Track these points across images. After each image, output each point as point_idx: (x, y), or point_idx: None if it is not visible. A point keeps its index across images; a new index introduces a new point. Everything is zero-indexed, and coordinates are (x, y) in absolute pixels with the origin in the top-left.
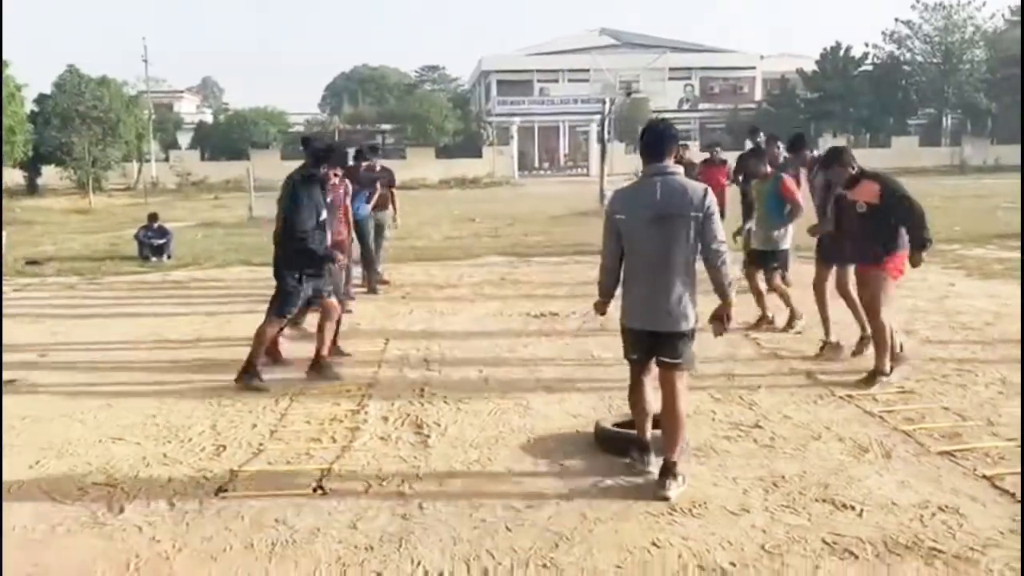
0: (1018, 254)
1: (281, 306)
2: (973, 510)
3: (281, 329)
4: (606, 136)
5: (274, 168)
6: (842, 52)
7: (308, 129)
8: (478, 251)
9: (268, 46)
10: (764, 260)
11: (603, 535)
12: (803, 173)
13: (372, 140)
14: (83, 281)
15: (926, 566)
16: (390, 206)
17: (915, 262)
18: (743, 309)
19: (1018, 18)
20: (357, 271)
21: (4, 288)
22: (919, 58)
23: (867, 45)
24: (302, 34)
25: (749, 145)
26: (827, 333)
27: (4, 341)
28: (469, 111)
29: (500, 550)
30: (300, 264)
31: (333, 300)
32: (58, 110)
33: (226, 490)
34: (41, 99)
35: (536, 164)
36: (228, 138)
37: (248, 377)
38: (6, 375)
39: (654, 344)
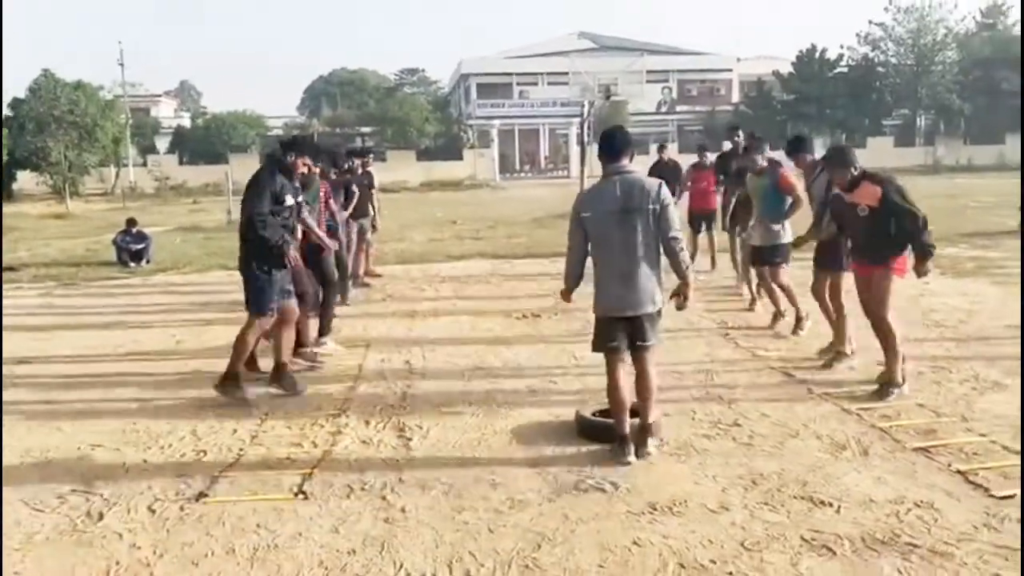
0: (989, 253)
1: (256, 304)
2: (948, 505)
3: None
4: (586, 138)
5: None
6: (817, 54)
7: (287, 132)
8: (460, 253)
9: (246, 49)
10: (766, 256)
11: (585, 535)
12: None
13: (352, 144)
14: (60, 287)
15: (903, 561)
16: (370, 210)
17: (919, 272)
18: (750, 313)
19: (990, 20)
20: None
21: None
22: (893, 60)
23: (842, 47)
24: (280, 37)
25: (728, 145)
26: (839, 341)
27: None
28: (449, 114)
29: (483, 552)
30: (264, 255)
31: (293, 303)
32: (33, 115)
33: (207, 495)
34: (16, 104)
35: (517, 166)
36: (206, 142)
37: (229, 387)
38: None
39: (630, 329)
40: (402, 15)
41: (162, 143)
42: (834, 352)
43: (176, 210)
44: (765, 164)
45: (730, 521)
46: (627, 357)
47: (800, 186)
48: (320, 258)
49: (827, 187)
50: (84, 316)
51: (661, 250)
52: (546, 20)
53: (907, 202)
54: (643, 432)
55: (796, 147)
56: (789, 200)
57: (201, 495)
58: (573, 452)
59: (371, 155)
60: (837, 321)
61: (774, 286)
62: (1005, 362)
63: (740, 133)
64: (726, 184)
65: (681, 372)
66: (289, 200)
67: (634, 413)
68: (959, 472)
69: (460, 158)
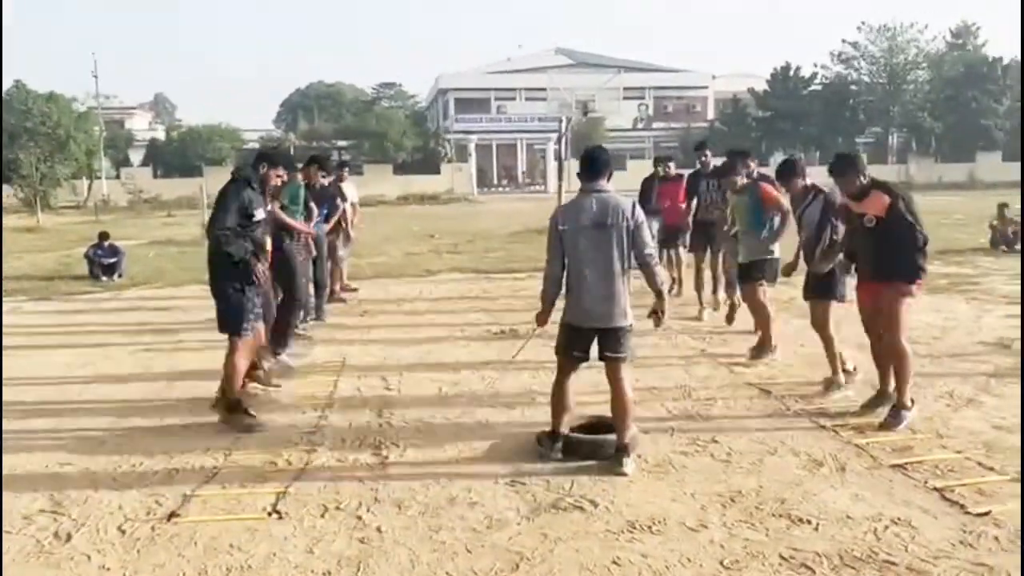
0: (962, 269)
1: (233, 325)
2: (924, 522)
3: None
4: (563, 154)
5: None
6: (792, 72)
7: (263, 145)
8: (438, 267)
9: (222, 62)
10: (749, 272)
11: (564, 554)
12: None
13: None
14: (30, 300)
15: None
16: (341, 224)
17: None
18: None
19: (960, 41)
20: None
21: None
22: (866, 78)
23: (816, 65)
24: (256, 50)
25: (697, 164)
26: (834, 370)
27: None
28: (427, 128)
29: (460, 572)
30: (233, 272)
31: (260, 326)
32: (4, 126)
33: (179, 515)
34: None
35: (495, 181)
36: (181, 155)
37: (235, 416)
38: None
39: (600, 340)
40: (379, 30)
41: (136, 156)
42: (827, 380)
43: (150, 223)
44: (745, 181)
45: (709, 539)
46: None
47: (784, 201)
48: (290, 268)
49: (821, 214)
50: (54, 331)
51: (632, 267)
52: (524, 36)
53: (913, 217)
54: (619, 451)
55: (787, 172)
56: (777, 218)
57: (173, 515)
58: (552, 470)
59: (346, 168)
60: (827, 353)
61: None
62: (979, 379)
63: (708, 152)
64: (699, 200)
65: (659, 389)
66: (259, 214)
67: (609, 428)
68: (935, 489)
69: (438, 172)
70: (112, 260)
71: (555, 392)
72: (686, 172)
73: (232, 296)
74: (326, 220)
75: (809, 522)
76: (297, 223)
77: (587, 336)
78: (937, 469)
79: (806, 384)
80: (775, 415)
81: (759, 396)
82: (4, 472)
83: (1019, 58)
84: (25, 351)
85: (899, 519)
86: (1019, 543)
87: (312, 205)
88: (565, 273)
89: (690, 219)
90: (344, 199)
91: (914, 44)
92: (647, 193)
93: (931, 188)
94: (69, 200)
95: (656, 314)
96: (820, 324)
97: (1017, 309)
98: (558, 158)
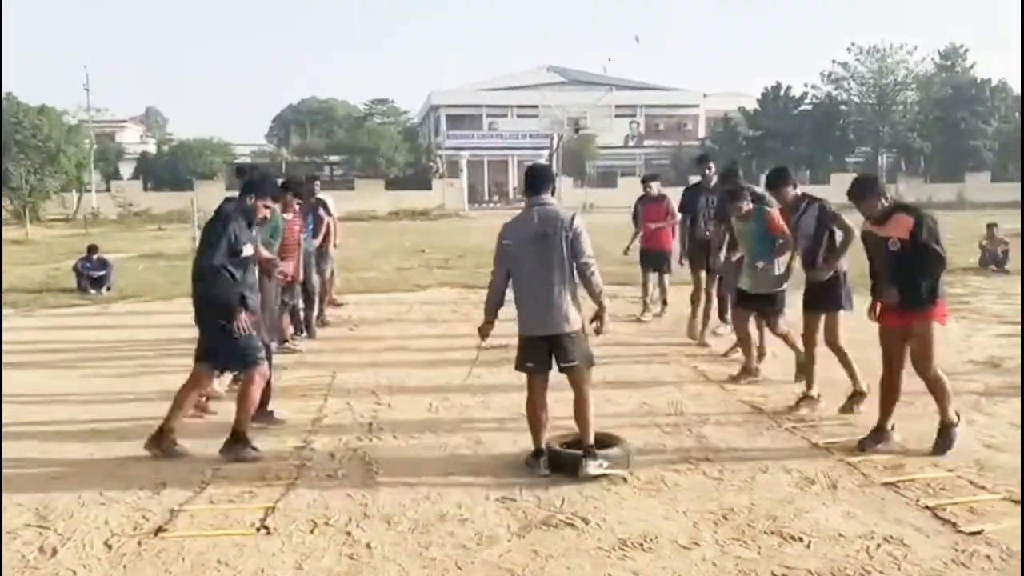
0: (952, 289)
1: (246, 359)
2: (917, 540)
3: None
4: (555, 170)
5: (219, 199)
6: (782, 92)
7: (255, 160)
8: (428, 283)
9: (214, 77)
10: (759, 304)
11: (555, 571)
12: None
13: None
14: (18, 314)
15: None
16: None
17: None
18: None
19: (948, 62)
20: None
21: None
22: (855, 99)
23: (806, 85)
24: (249, 65)
25: (696, 178)
26: (809, 386)
27: None
28: (419, 144)
29: None
30: (217, 311)
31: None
32: None
33: (166, 530)
34: None
35: (486, 197)
36: (172, 169)
37: (237, 448)
38: None
39: (550, 349)
40: (372, 46)
41: (127, 169)
42: (853, 403)
43: (139, 237)
44: (751, 207)
45: (701, 557)
46: (548, 377)
47: (785, 227)
48: (267, 299)
49: (817, 222)
50: (41, 345)
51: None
52: (515, 53)
53: (936, 241)
54: (585, 455)
55: (778, 180)
56: (780, 242)
57: (160, 529)
58: (543, 487)
59: (316, 182)
60: (845, 367)
61: (752, 333)
62: (970, 397)
63: (711, 165)
64: (689, 220)
65: (651, 406)
66: (247, 250)
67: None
68: (927, 507)
69: (429, 188)
70: (101, 273)
71: (528, 410)
72: (666, 191)
73: (225, 333)
74: (313, 235)
75: (801, 540)
76: (274, 258)
77: (538, 345)
78: (929, 487)
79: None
80: (767, 433)
81: (751, 414)
82: None
83: (1006, 79)
84: (11, 365)
85: (891, 537)
86: (1012, 562)
87: (316, 216)
88: (512, 285)
89: (679, 235)
90: (329, 212)
91: (903, 65)
92: (638, 215)
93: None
94: (58, 213)
95: (598, 320)
96: (831, 339)
97: (1007, 328)
98: None
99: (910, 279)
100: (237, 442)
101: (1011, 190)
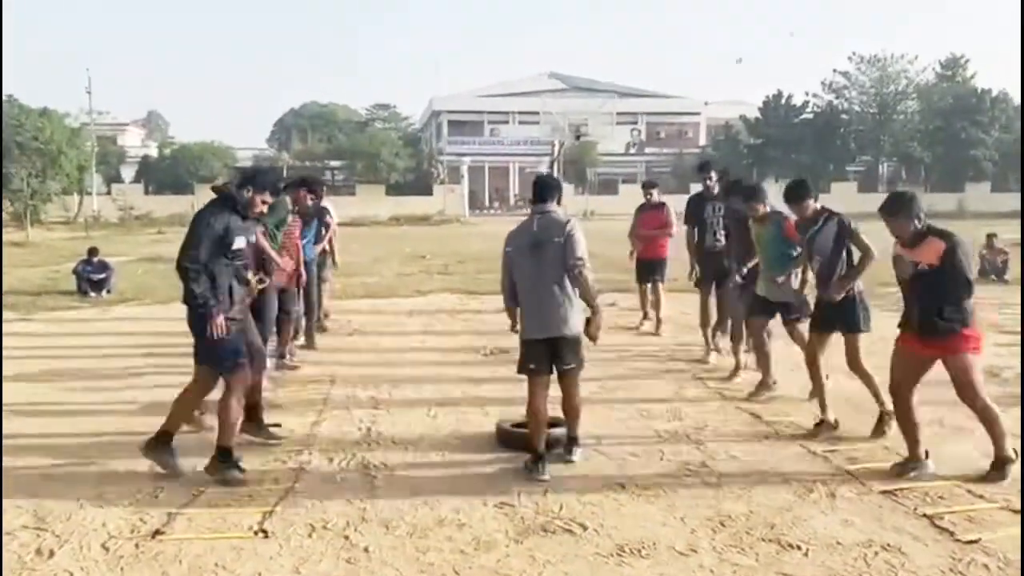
0: None
1: (223, 363)
2: (915, 549)
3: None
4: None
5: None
6: (783, 100)
7: (256, 164)
8: (429, 288)
9: (216, 80)
10: (779, 312)
11: None
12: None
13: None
14: (17, 317)
15: None
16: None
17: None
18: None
19: (949, 72)
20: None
21: None
22: (856, 108)
23: (807, 94)
24: (251, 69)
25: (697, 186)
26: (823, 410)
27: None
28: (420, 149)
29: None
30: (196, 306)
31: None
32: None
33: (163, 532)
34: None
35: (487, 203)
36: (173, 172)
37: (223, 468)
38: None
39: (551, 352)
40: (374, 51)
41: (128, 172)
42: (883, 426)
43: (140, 240)
44: (767, 210)
45: (699, 564)
46: (550, 380)
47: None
48: (265, 306)
49: (836, 239)
50: (41, 345)
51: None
52: (517, 59)
53: (968, 269)
54: (570, 442)
55: (798, 193)
56: (797, 250)
57: (157, 532)
58: (541, 493)
59: (323, 187)
60: (870, 389)
61: (769, 347)
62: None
63: (714, 173)
64: (695, 231)
65: (649, 412)
66: (239, 243)
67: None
68: (925, 516)
69: (430, 193)
70: (101, 276)
71: (529, 413)
72: (667, 198)
73: (212, 334)
74: (316, 240)
75: (799, 547)
76: (278, 257)
77: (540, 348)
78: (927, 496)
79: (795, 402)
80: (765, 440)
81: (750, 421)
82: None
83: (1007, 90)
84: (9, 366)
85: (889, 545)
86: (1009, 571)
87: (316, 224)
88: (517, 289)
89: (687, 249)
90: (332, 218)
91: (904, 75)
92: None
93: None
94: (60, 215)
95: (591, 326)
96: (854, 362)
97: (1006, 338)
98: None
99: (934, 305)
100: (223, 460)
101: (1011, 200)
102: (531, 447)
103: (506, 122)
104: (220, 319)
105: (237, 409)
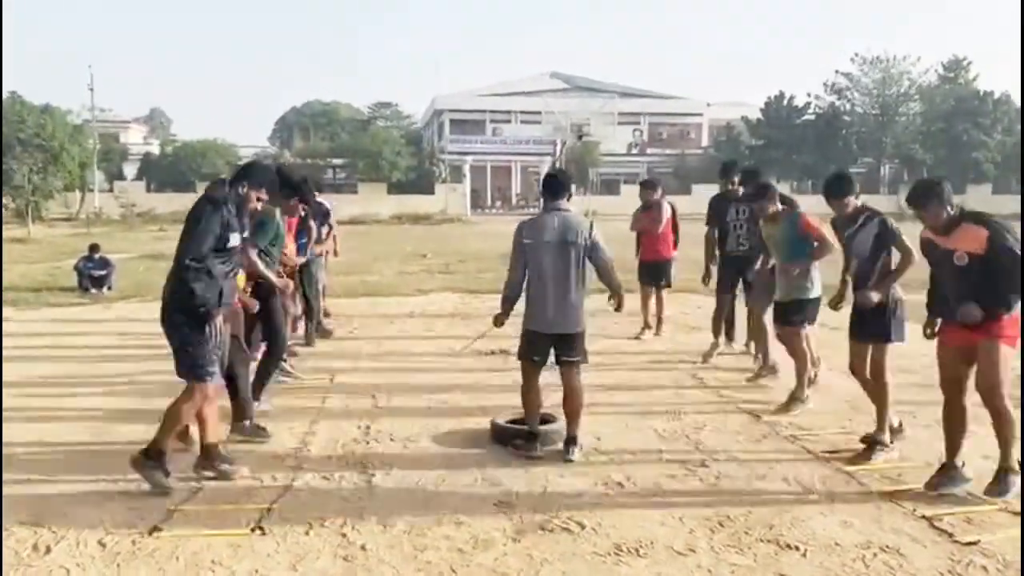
0: None
1: (193, 368)
2: (913, 550)
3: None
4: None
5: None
6: (785, 101)
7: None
8: (430, 287)
9: (219, 78)
10: (787, 313)
11: None
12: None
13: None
14: (16, 312)
15: None
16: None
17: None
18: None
19: (952, 74)
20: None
21: None
22: (858, 109)
23: (809, 95)
24: (253, 67)
25: (701, 187)
26: (880, 428)
27: None
28: (422, 148)
29: None
30: (188, 309)
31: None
32: None
33: (161, 529)
34: None
35: (488, 202)
36: (175, 170)
37: (148, 466)
38: None
39: (556, 345)
40: (376, 50)
41: (130, 169)
42: (871, 440)
43: (141, 237)
44: (779, 208)
45: (696, 563)
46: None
47: (826, 230)
48: (270, 307)
49: (876, 241)
50: (39, 344)
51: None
52: (519, 58)
53: (1018, 246)
54: (568, 442)
55: (841, 189)
56: (816, 245)
57: (155, 529)
58: (540, 491)
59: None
60: (878, 401)
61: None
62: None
63: (736, 177)
64: (716, 233)
65: (648, 412)
66: (234, 240)
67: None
68: (924, 517)
69: (432, 192)
70: (102, 272)
71: (524, 395)
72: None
73: (189, 335)
74: (317, 240)
75: (797, 548)
76: (274, 277)
77: (546, 341)
78: (926, 497)
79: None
80: (765, 440)
81: (749, 421)
82: None
83: (1009, 92)
84: (8, 361)
85: (888, 547)
86: (1008, 573)
87: (312, 224)
88: (526, 282)
89: (705, 251)
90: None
91: (906, 76)
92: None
93: None
94: (61, 212)
95: (617, 298)
96: (876, 372)
97: None
98: None
99: (982, 296)
100: (149, 458)
101: (1012, 202)
102: (526, 429)
103: (508, 121)
104: (220, 319)
105: (188, 415)
